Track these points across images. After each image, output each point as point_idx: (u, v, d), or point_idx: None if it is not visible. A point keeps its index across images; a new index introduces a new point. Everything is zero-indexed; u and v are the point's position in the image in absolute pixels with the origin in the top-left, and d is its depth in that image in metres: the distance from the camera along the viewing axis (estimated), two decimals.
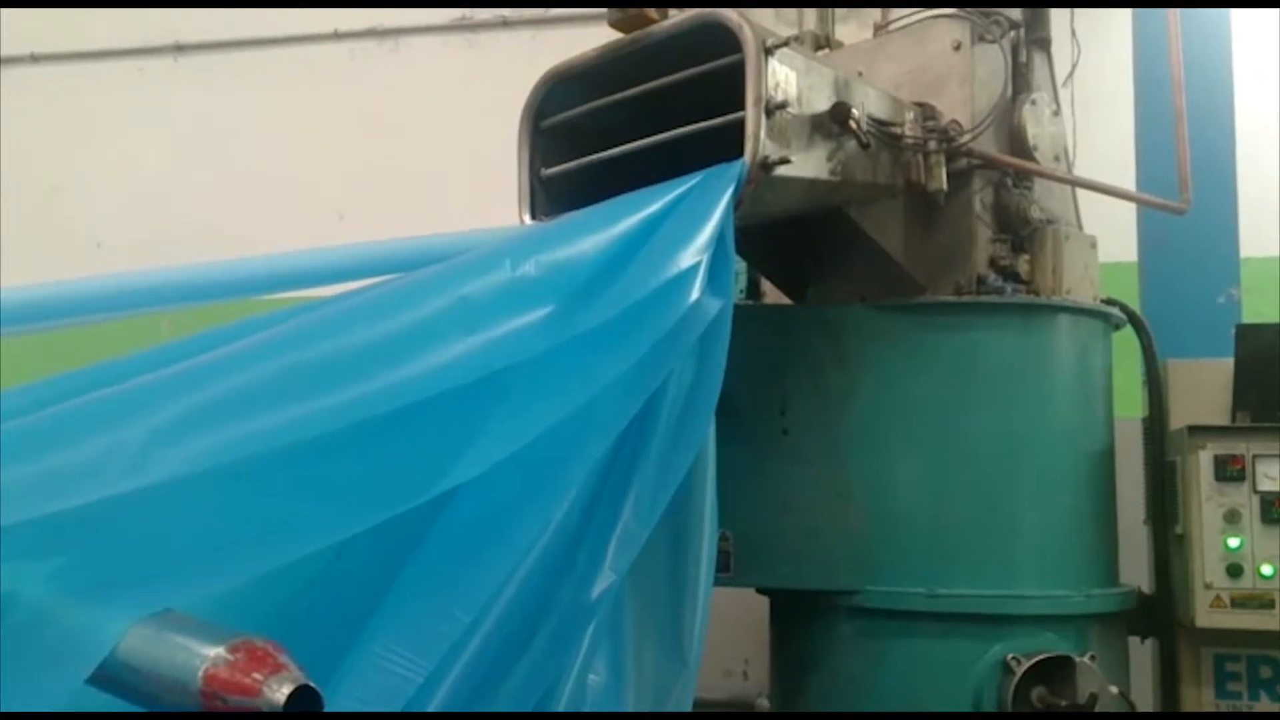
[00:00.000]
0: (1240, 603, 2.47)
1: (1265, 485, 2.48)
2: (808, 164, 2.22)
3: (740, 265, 3.06)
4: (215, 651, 0.98)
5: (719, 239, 1.83)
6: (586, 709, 1.59)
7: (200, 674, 0.97)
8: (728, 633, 3.72)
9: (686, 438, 1.75)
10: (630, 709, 1.68)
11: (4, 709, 1.04)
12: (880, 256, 2.55)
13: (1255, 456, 2.50)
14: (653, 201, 1.93)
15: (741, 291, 3.06)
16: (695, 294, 1.69)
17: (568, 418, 1.49)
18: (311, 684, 0.96)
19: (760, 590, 2.75)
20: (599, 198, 2.23)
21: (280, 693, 0.95)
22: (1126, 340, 2.83)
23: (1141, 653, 2.78)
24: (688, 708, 1.83)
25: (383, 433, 1.33)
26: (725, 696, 4.03)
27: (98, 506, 1.11)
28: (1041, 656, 2.35)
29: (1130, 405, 2.92)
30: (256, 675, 0.95)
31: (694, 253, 1.75)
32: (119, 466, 1.15)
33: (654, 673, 1.80)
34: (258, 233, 3.56)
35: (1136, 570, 2.80)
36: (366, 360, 1.38)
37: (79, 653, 1.05)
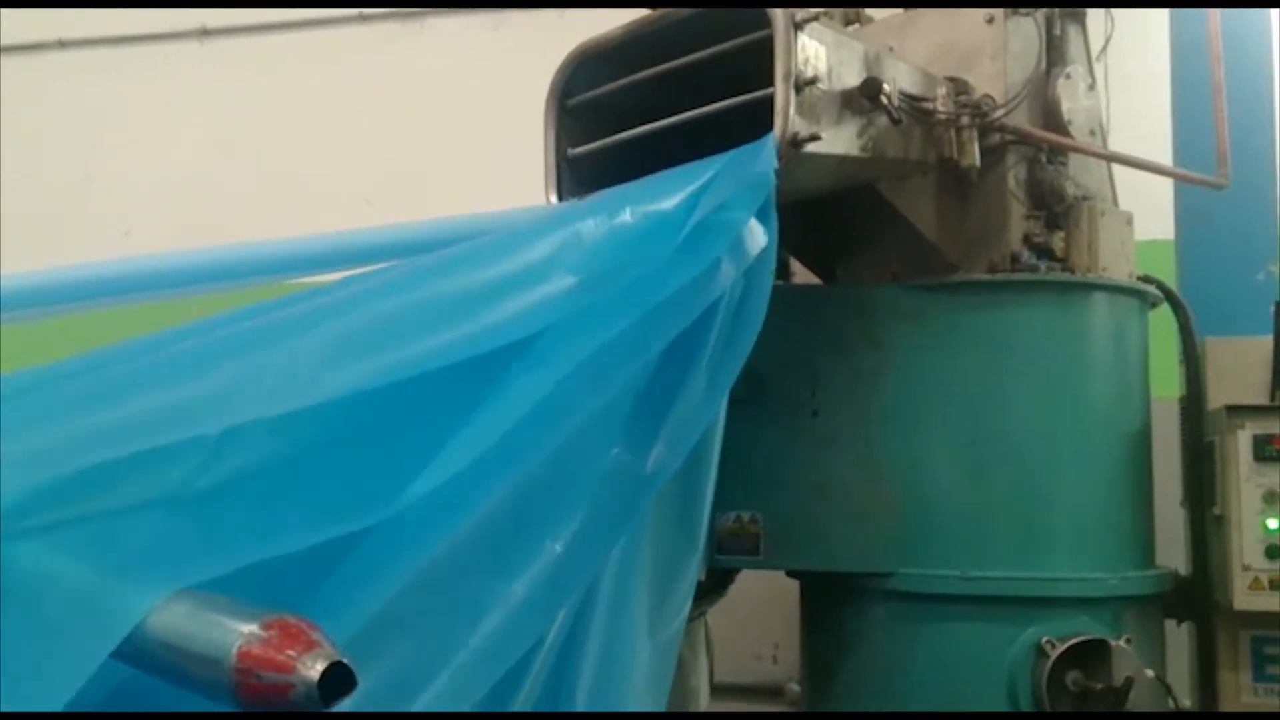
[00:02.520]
0: (1279, 585, 2.42)
1: None
2: (838, 140, 2.19)
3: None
4: (249, 628, 0.98)
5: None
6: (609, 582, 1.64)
7: (234, 650, 0.97)
8: (757, 616, 3.72)
9: (738, 342, 1.92)
10: (645, 589, 1.74)
11: (32, 684, 1.04)
12: (912, 234, 2.52)
13: None
14: (693, 178, 1.90)
15: (771, 272, 3.03)
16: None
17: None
18: (345, 660, 0.96)
19: (791, 573, 2.74)
20: (625, 178, 2.21)
21: (314, 669, 0.94)
22: (1163, 319, 2.78)
23: (1178, 636, 2.74)
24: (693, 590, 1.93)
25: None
26: (755, 681, 4.03)
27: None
28: (1077, 640, 2.32)
29: (1167, 385, 2.87)
30: (290, 652, 0.95)
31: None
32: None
33: (669, 552, 1.93)
34: (284, 217, 3.56)
35: (1173, 553, 2.76)
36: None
37: (107, 627, 1.05)
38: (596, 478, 1.63)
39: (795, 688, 3.77)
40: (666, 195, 1.83)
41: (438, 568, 1.37)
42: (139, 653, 1.06)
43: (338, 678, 0.96)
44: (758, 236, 1.90)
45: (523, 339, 1.52)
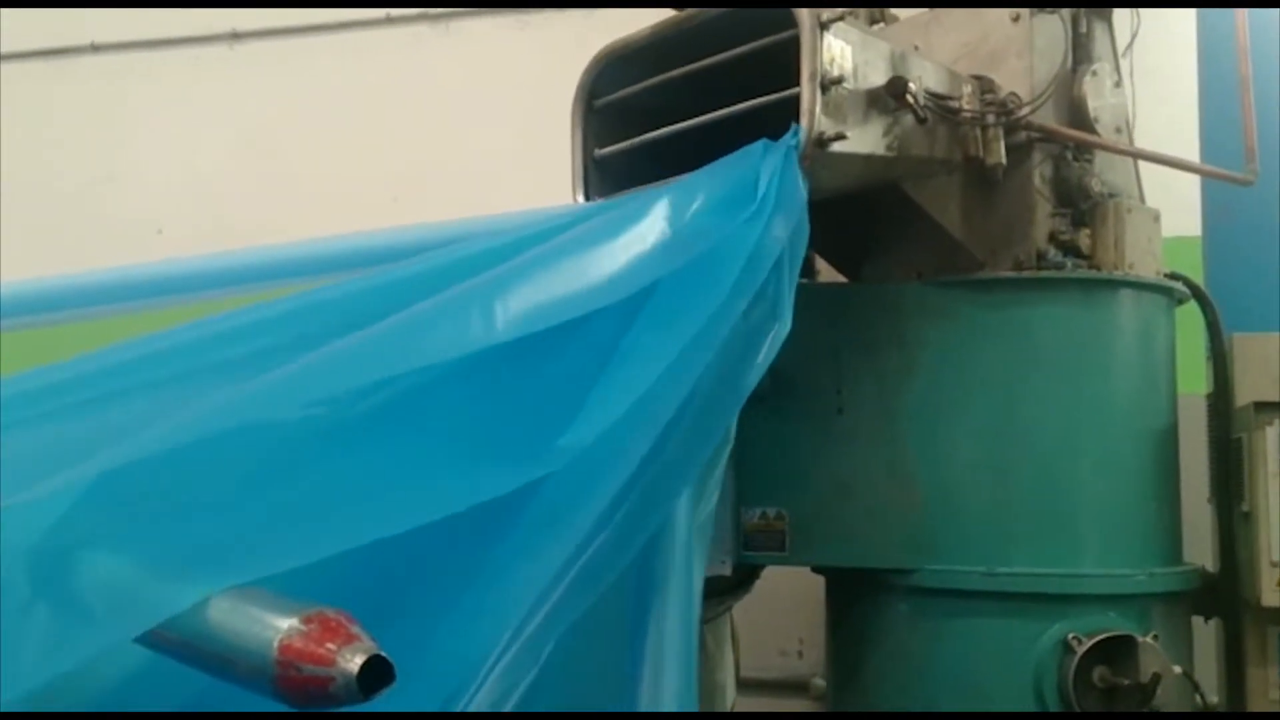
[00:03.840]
0: None
1: None
2: (864, 140, 2.20)
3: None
4: (289, 623, 1.01)
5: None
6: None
7: (275, 645, 1.00)
8: (782, 612, 3.72)
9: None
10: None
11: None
12: (937, 233, 2.53)
13: None
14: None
15: None
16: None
17: None
18: (384, 654, 0.99)
19: (816, 569, 2.75)
20: (652, 178, 2.23)
21: (354, 662, 0.97)
22: (1190, 315, 2.77)
23: (1206, 633, 2.74)
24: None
25: None
26: (780, 676, 4.04)
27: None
28: (1103, 636, 2.32)
29: (1194, 381, 2.87)
30: (330, 645, 0.98)
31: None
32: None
33: None
34: (313, 218, 3.60)
35: (1200, 550, 2.76)
36: None
37: (140, 613, 1.08)
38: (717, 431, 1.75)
39: (820, 683, 3.79)
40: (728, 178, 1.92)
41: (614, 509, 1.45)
42: (183, 645, 1.09)
43: (377, 671, 0.99)
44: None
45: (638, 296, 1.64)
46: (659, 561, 1.65)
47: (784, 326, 1.88)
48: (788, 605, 3.59)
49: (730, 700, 3.26)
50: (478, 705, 1.27)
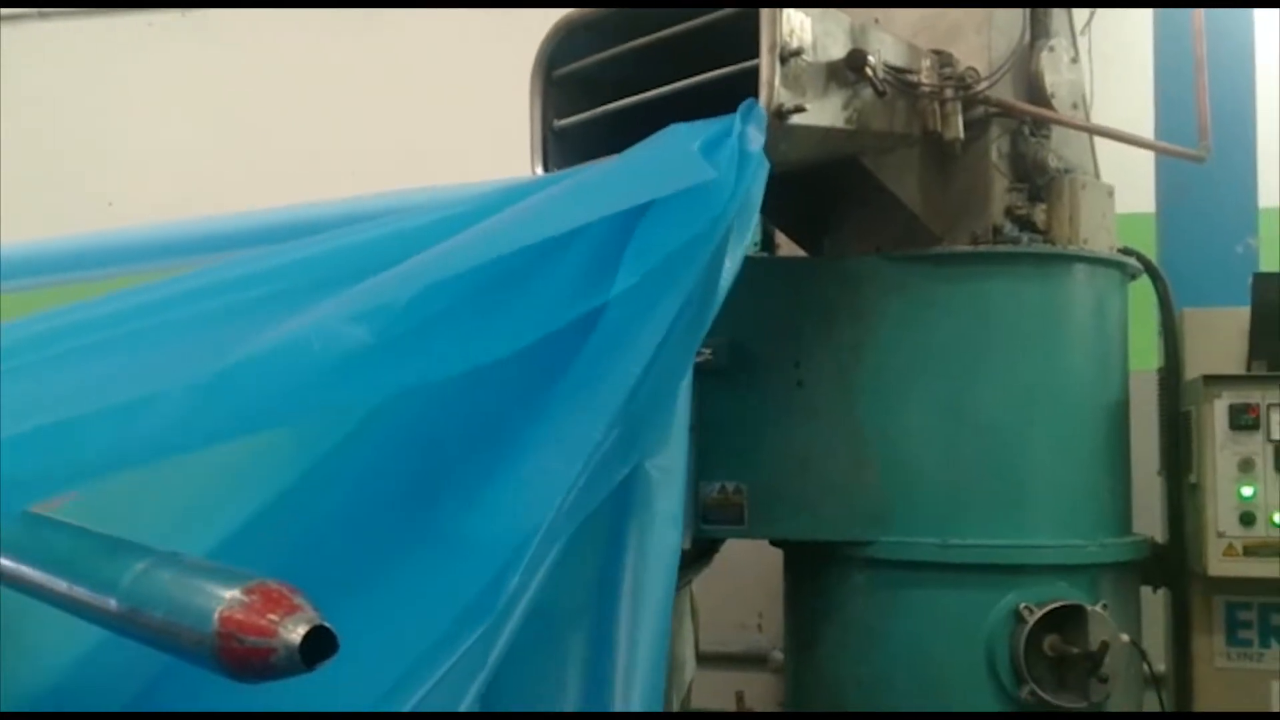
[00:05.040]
0: (1252, 551, 2.48)
1: None
2: (823, 112, 2.20)
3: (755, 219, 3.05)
4: (231, 594, 1.00)
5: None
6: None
7: (216, 616, 0.99)
8: (742, 587, 3.76)
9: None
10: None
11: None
12: (896, 207, 2.54)
13: (1270, 405, 2.49)
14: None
15: (756, 245, 3.05)
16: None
17: None
18: (327, 624, 0.98)
19: (774, 542, 2.77)
20: (614, 150, 2.22)
21: (296, 633, 0.96)
22: (1144, 291, 2.81)
23: (1155, 602, 2.80)
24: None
25: None
26: (740, 650, 4.08)
27: None
28: (1054, 605, 2.36)
29: (1147, 357, 2.91)
30: (272, 616, 0.97)
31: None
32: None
33: None
34: (269, 192, 3.54)
35: (1151, 522, 2.81)
36: None
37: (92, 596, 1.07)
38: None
39: (779, 655, 3.82)
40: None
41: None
42: (125, 618, 1.08)
43: (320, 641, 0.98)
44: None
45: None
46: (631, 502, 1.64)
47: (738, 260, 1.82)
48: (748, 579, 3.62)
49: (689, 674, 3.28)
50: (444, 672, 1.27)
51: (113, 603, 1.06)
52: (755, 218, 1.84)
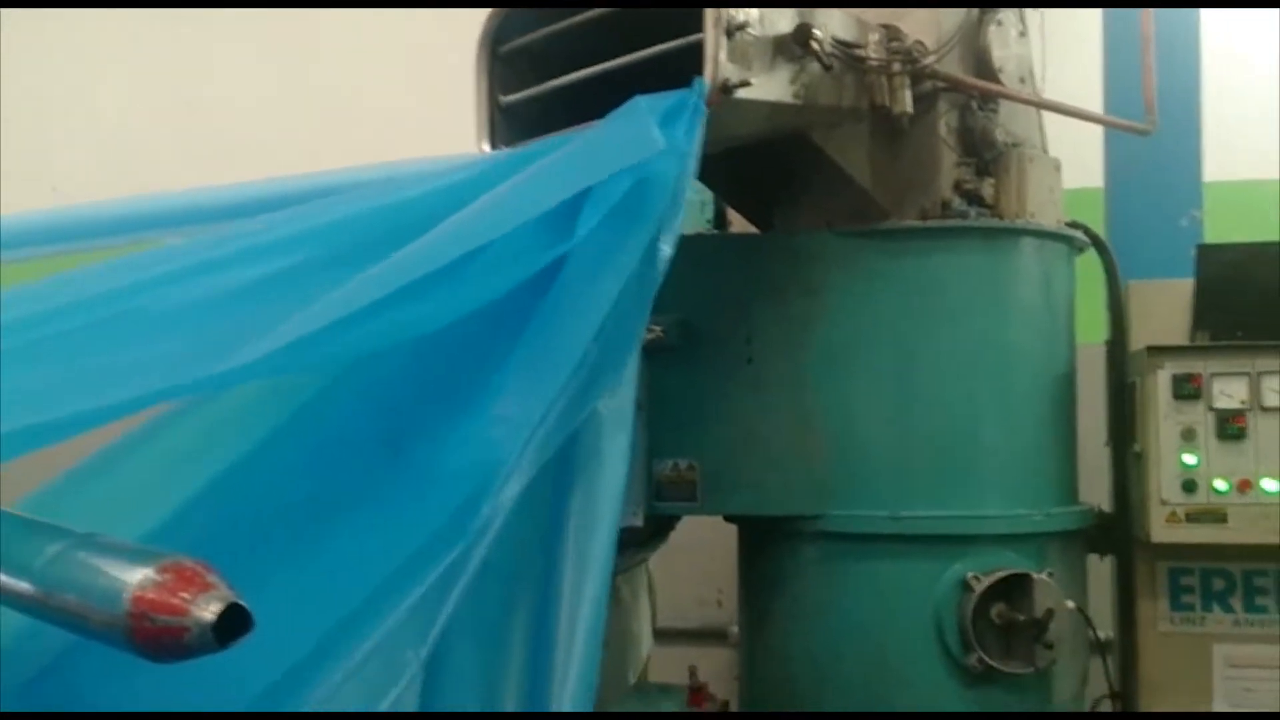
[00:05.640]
0: (1194, 517, 2.52)
1: (1221, 403, 2.52)
2: (769, 87, 2.20)
3: (707, 196, 3.05)
4: (143, 574, 0.99)
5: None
6: None
7: (128, 596, 0.98)
8: (701, 563, 3.78)
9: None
10: None
11: None
12: (846, 182, 2.54)
13: (1213, 375, 2.53)
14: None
15: (709, 222, 3.06)
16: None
17: None
18: (242, 603, 0.98)
19: (727, 518, 2.79)
20: (562, 124, 2.21)
21: (209, 611, 0.96)
22: (1093, 266, 2.84)
23: (1102, 569, 2.85)
24: None
25: None
26: (699, 625, 4.11)
27: None
28: (1000, 574, 2.40)
29: (1096, 331, 2.95)
30: (185, 595, 0.96)
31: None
32: None
33: None
34: (222, 173, 3.49)
35: (1100, 493, 2.86)
36: None
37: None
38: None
39: (736, 630, 3.85)
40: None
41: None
42: (38, 600, 1.07)
43: (234, 619, 0.98)
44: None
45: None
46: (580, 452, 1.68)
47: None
48: (707, 556, 3.64)
49: (646, 650, 3.31)
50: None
51: (26, 586, 1.04)
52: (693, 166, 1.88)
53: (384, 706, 1.29)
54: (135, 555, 1.02)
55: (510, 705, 1.53)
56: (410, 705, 1.33)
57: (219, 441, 1.66)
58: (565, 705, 1.50)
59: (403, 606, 1.33)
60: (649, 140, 1.78)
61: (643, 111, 1.90)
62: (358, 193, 1.86)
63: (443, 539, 1.41)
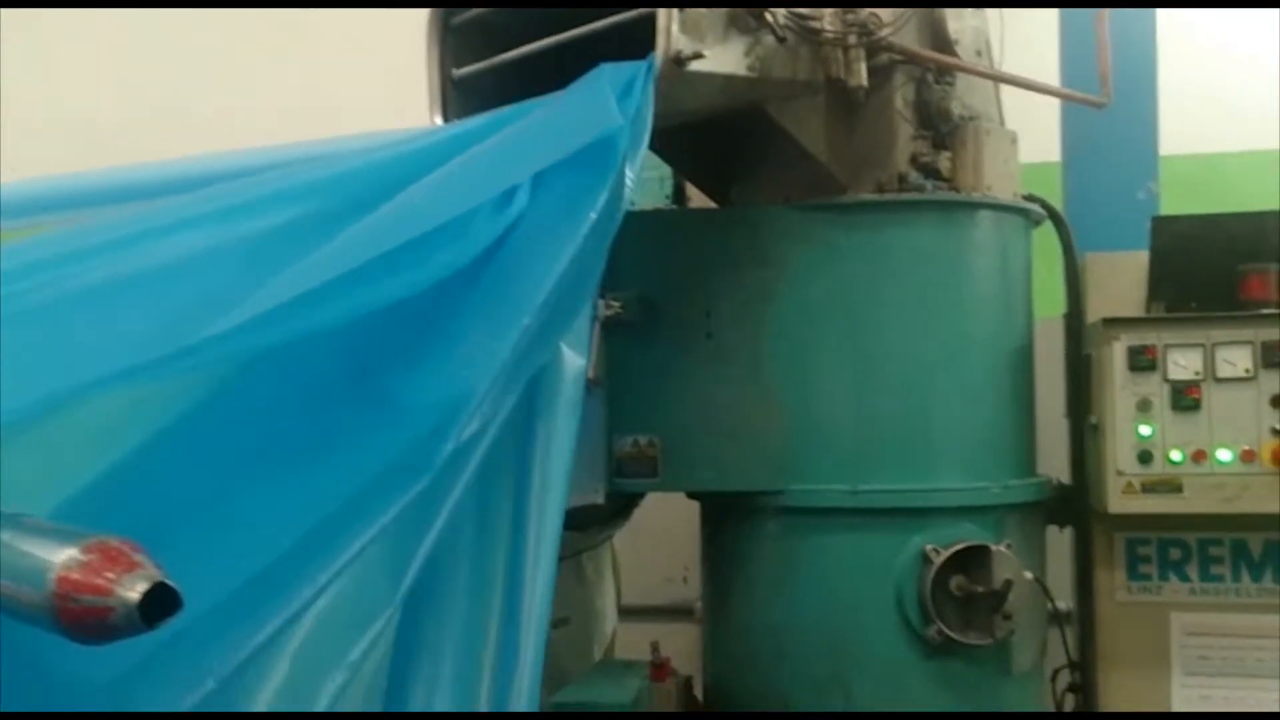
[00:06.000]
0: (1150, 488, 2.54)
1: (1176, 374, 2.53)
2: (723, 59, 2.18)
3: (665, 172, 3.04)
4: (68, 554, 0.97)
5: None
6: None
7: (52, 577, 0.96)
8: (668, 542, 3.77)
9: None
10: None
11: None
12: (802, 156, 2.53)
13: (1167, 346, 2.55)
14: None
15: (667, 198, 3.05)
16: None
17: None
18: (169, 582, 0.96)
19: (690, 495, 2.78)
20: (515, 98, 2.18)
21: (135, 590, 0.94)
22: (1052, 240, 2.85)
23: (1063, 541, 2.87)
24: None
25: None
26: (666, 602, 4.11)
27: None
28: (959, 546, 2.41)
29: (1056, 305, 2.96)
30: (110, 574, 0.94)
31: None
32: None
33: None
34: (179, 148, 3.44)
35: (1059, 465, 2.87)
36: None
37: None
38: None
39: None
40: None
41: None
42: None
43: (161, 599, 0.96)
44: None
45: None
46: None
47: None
48: (673, 534, 3.63)
49: (611, 627, 3.31)
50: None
51: None
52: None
53: (365, 640, 1.34)
54: (61, 535, 1.00)
55: (487, 643, 1.59)
56: (388, 640, 1.39)
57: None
58: (531, 639, 1.57)
59: (372, 529, 1.37)
60: (609, 115, 1.81)
61: (604, 84, 1.91)
62: (328, 157, 1.86)
63: (410, 468, 1.44)
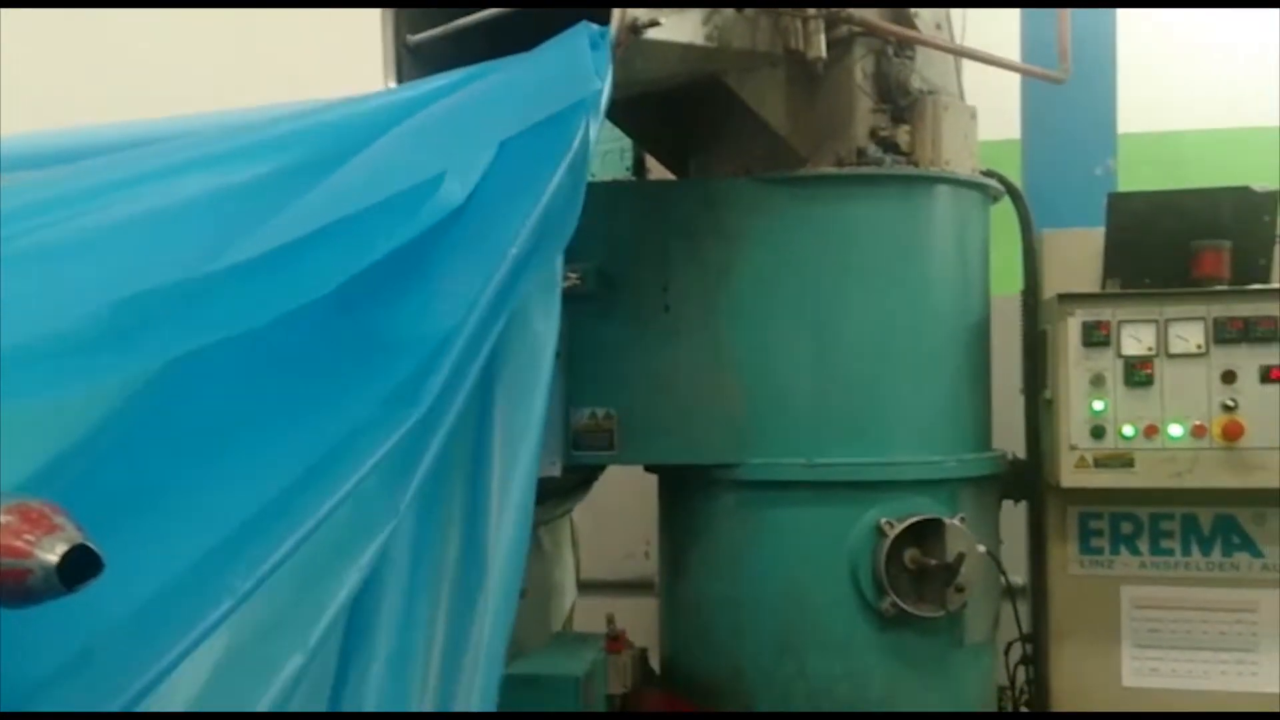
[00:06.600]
0: (1102, 463, 2.56)
1: (1129, 349, 2.56)
2: (681, 29, 2.17)
3: (626, 144, 3.02)
4: None
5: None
6: None
7: None
8: (629, 515, 3.78)
9: None
10: None
11: None
12: (761, 128, 2.52)
13: (1121, 322, 2.57)
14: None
15: (627, 169, 3.03)
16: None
17: None
18: (90, 544, 0.94)
19: (648, 468, 2.78)
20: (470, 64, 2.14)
21: (54, 553, 0.92)
22: (1012, 217, 2.85)
23: (1016, 514, 2.89)
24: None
25: None
26: (630, 577, 4.12)
27: None
28: (913, 519, 2.43)
29: (1014, 281, 2.97)
30: (29, 536, 0.92)
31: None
32: None
33: None
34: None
35: (1016, 440, 2.89)
36: None
37: None
38: None
39: None
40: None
41: None
42: None
43: (81, 561, 0.94)
44: None
45: None
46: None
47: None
48: (635, 510, 3.64)
49: (570, 601, 3.30)
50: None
51: None
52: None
53: (362, 561, 1.38)
54: None
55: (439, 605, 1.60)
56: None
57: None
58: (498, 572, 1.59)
59: (370, 461, 1.41)
60: (588, 79, 1.83)
61: (583, 44, 1.91)
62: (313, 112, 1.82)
63: (403, 401, 1.48)
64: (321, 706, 1.43)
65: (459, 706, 1.57)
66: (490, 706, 1.60)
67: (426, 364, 1.53)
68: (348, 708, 1.45)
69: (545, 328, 1.75)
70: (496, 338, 1.64)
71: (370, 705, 1.47)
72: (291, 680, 1.29)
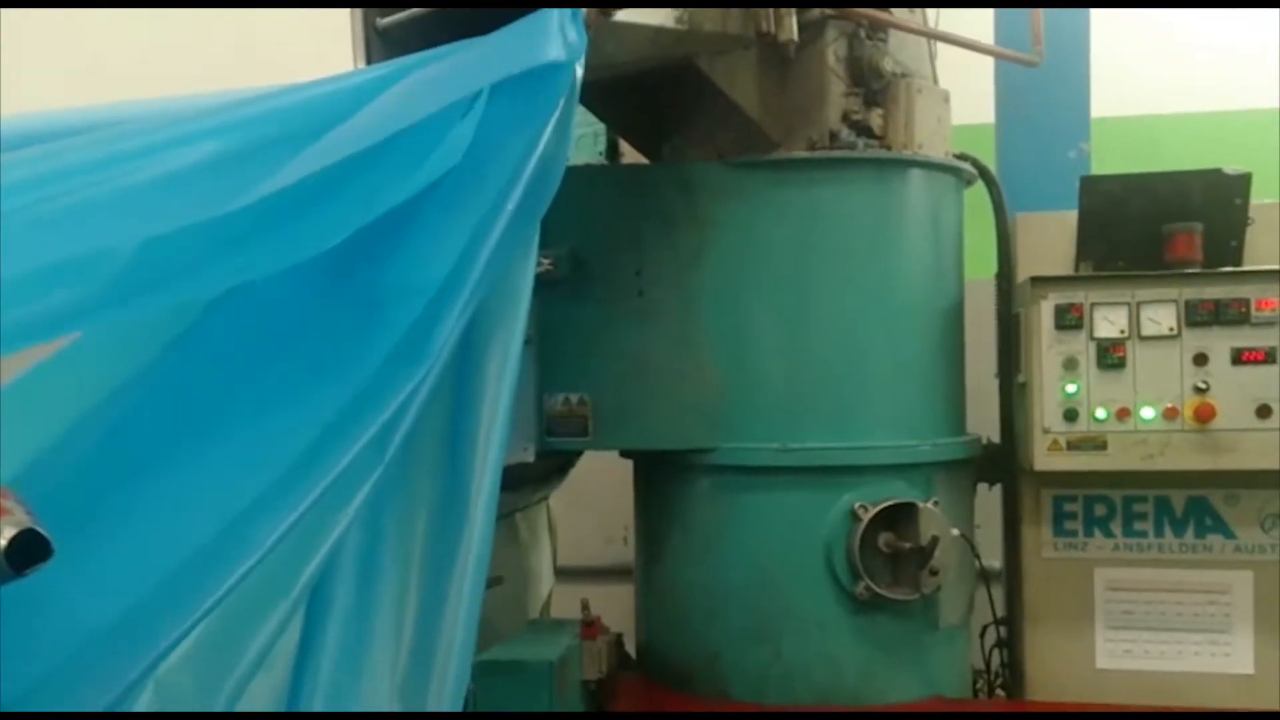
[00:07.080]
0: (1076, 445, 2.57)
1: (1102, 332, 2.56)
2: (651, 11, 2.15)
3: (600, 128, 3.00)
4: None
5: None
6: None
7: None
8: (608, 502, 3.77)
9: None
10: None
11: None
12: (733, 111, 2.51)
13: (1094, 305, 2.57)
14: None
15: (600, 154, 3.01)
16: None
17: None
18: (39, 529, 0.93)
19: (623, 453, 2.77)
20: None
21: (1, 537, 0.91)
22: (986, 201, 2.85)
23: (992, 498, 2.90)
24: None
25: None
26: (609, 563, 4.12)
27: None
28: (887, 503, 2.43)
29: (989, 266, 2.98)
30: None
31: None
32: None
33: None
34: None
35: (991, 424, 2.90)
36: None
37: None
38: None
39: None
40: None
41: None
42: None
43: (31, 544, 0.93)
44: None
45: None
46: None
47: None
48: (614, 496, 3.63)
49: (547, 587, 3.30)
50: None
51: None
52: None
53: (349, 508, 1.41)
54: None
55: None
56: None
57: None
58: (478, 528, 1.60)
59: (385, 413, 1.45)
60: (555, 45, 1.77)
61: (553, 17, 1.87)
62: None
63: (405, 355, 1.51)
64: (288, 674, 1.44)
65: (431, 690, 1.56)
66: (461, 690, 1.60)
67: (425, 318, 1.55)
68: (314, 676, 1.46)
69: (523, 284, 1.75)
70: (480, 294, 1.64)
71: (338, 666, 1.48)
72: (277, 627, 1.33)
